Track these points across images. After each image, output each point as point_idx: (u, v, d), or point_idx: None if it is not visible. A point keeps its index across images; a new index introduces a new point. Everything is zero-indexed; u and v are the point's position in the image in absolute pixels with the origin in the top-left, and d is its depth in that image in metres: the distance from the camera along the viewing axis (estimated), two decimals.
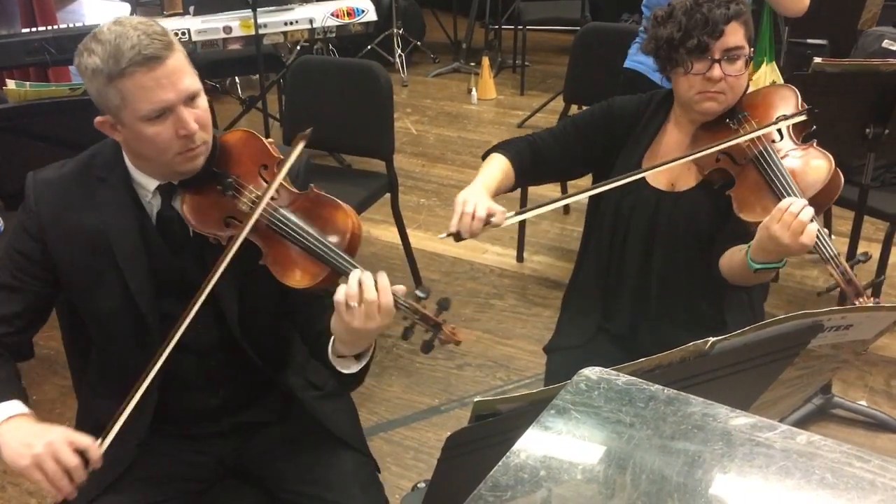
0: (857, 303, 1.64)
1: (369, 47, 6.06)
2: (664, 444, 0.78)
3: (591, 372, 0.88)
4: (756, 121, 1.80)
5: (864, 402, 2.67)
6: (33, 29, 3.39)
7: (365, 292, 1.32)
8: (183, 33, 3.94)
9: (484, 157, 2.01)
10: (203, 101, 1.43)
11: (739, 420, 0.81)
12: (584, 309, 2.05)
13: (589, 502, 0.74)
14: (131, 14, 5.46)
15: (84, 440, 1.37)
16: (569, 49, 3.78)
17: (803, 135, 1.80)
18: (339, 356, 1.46)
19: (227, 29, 4.06)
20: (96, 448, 1.38)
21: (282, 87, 4.49)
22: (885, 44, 3.14)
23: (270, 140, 1.51)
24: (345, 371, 1.47)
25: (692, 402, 0.83)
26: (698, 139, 1.85)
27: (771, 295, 3.07)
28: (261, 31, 4.05)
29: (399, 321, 1.40)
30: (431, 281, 3.51)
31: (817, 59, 2.11)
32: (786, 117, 1.78)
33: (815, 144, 1.76)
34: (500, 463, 0.77)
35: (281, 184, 1.47)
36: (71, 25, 3.45)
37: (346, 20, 4.33)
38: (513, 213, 1.81)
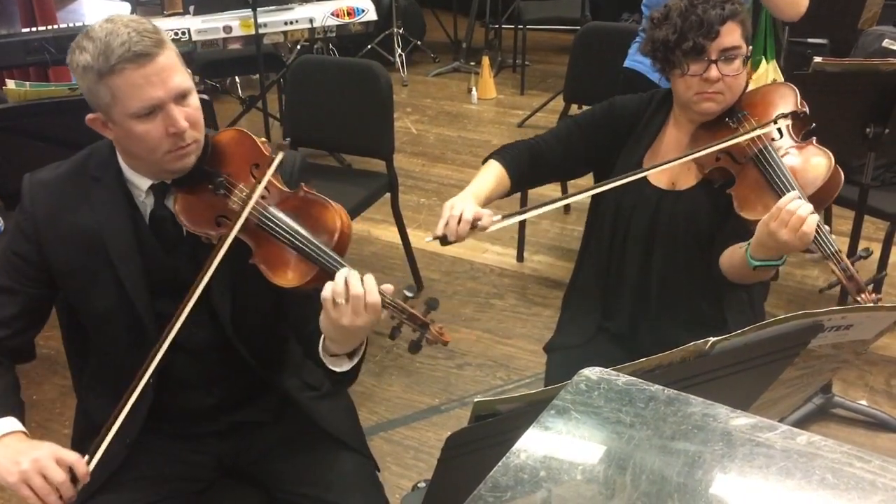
0: (858, 299, 1.64)
1: (369, 47, 6.05)
2: (664, 445, 0.78)
3: (591, 372, 0.88)
4: (756, 119, 1.80)
5: (864, 402, 2.67)
6: (33, 29, 3.39)
7: (351, 289, 1.32)
8: (183, 33, 3.94)
9: (484, 163, 2.01)
10: (194, 99, 1.43)
11: (740, 420, 0.81)
12: (584, 308, 2.05)
13: (589, 503, 0.74)
14: (131, 13, 5.46)
15: (71, 456, 1.39)
16: (569, 48, 3.78)
17: (803, 132, 1.80)
18: (332, 355, 1.46)
19: (227, 28, 4.05)
20: (83, 464, 1.40)
21: (282, 87, 4.50)
22: (886, 43, 3.14)
23: (263, 139, 1.51)
24: (337, 369, 1.47)
25: (692, 403, 0.83)
26: (698, 138, 1.85)
27: (771, 294, 3.07)
28: (261, 31, 4.05)
29: (387, 320, 1.40)
30: (431, 280, 3.51)
31: (817, 59, 2.10)
32: (784, 116, 1.78)
33: (814, 142, 1.76)
34: (499, 463, 0.77)
35: (272, 183, 1.48)
36: (71, 25, 3.45)
37: (347, 20, 4.33)
38: (499, 216, 1.81)
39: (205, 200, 1.48)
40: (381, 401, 2.81)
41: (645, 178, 1.86)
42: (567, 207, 4.08)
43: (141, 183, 1.50)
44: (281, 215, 1.44)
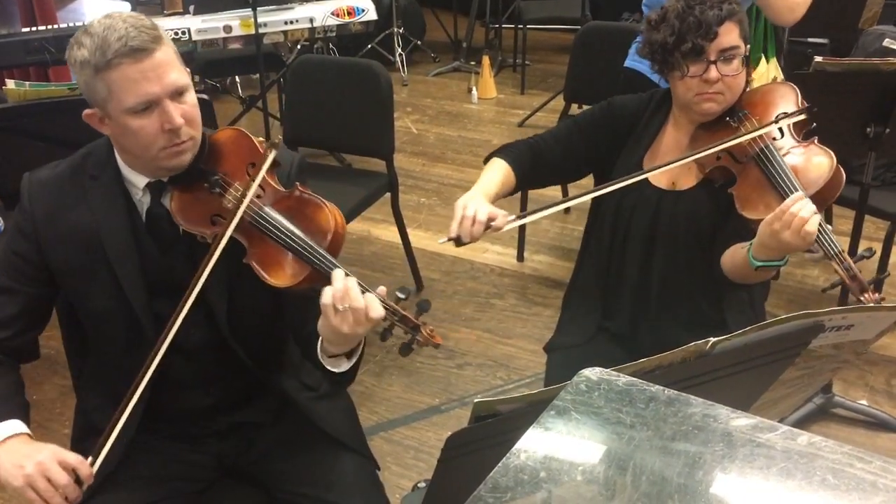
0: (862, 298, 1.64)
1: (369, 46, 6.05)
2: (664, 445, 0.78)
3: (592, 372, 0.88)
4: (756, 119, 1.80)
5: (864, 402, 2.67)
6: (33, 28, 3.39)
7: (353, 300, 1.32)
8: (183, 32, 3.94)
9: (486, 162, 2.01)
10: (191, 96, 1.43)
11: (740, 421, 0.81)
12: (584, 308, 2.05)
13: (589, 503, 0.74)
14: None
15: (73, 458, 1.40)
16: (569, 48, 3.78)
17: (804, 132, 1.80)
18: (330, 356, 1.46)
19: (228, 28, 4.05)
20: (87, 466, 1.41)
21: (282, 87, 4.49)
22: (886, 43, 3.13)
23: (261, 139, 1.51)
24: (336, 370, 1.47)
25: (693, 403, 0.83)
26: (698, 138, 1.84)
27: (772, 294, 3.07)
28: (261, 31, 4.05)
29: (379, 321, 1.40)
30: (431, 280, 3.51)
31: (818, 58, 2.10)
32: (786, 115, 1.78)
33: (815, 141, 1.76)
34: (499, 464, 0.76)
35: (267, 182, 1.48)
36: (71, 25, 3.45)
37: (347, 19, 4.33)
38: (514, 216, 1.80)
39: (200, 199, 1.48)
40: (381, 400, 2.81)
41: (645, 178, 1.86)
42: (567, 207, 4.08)
43: (138, 181, 1.50)
44: (275, 214, 1.44)
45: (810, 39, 4.18)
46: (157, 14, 4.18)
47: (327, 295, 1.33)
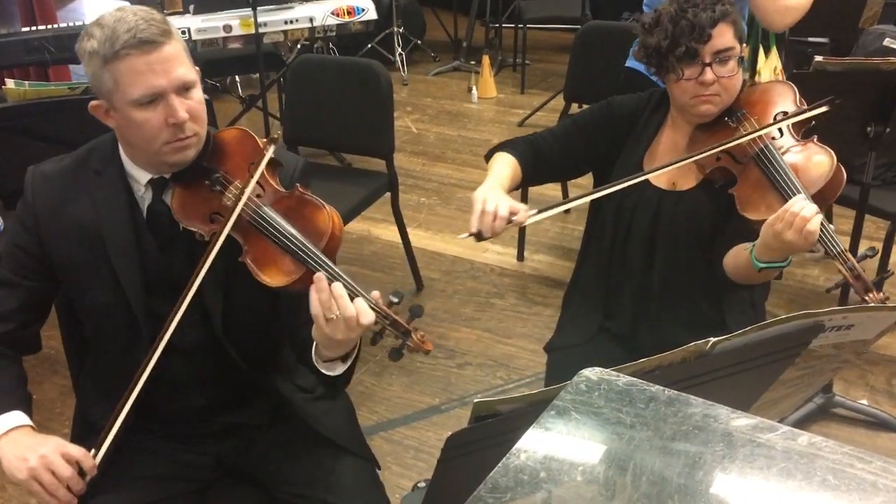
0: (866, 298, 1.64)
1: (369, 46, 6.05)
2: (665, 445, 0.78)
3: (592, 372, 0.88)
4: (755, 118, 1.80)
5: (865, 402, 2.67)
6: (33, 28, 3.39)
7: (343, 309, 1.32)
8: (183, 32, 3.94)
9: (487, 157, 2.00)
10: (198, 93, 1.44)
11: (740, 421, 0.81)
12: (585, 308, 2.05)
13: (589, 503, 0.74)
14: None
15: (77, 451, 1.42)
16: (569, 47, 3.78)
17: (803, 130, 1.80)
18: (326, 360, 1.46)
19: (227, 27, 4.05)
20: (90, 458, 1.43)
21: (282, 86, 4.49)
22: (886, 42, 3.13)
23: (264, 140, 1.52)
24: (331, 373, 1.47)
25: (693, 403, 0.83)
26: (697, 139, 1.84)
27: (772, 294, 3.06)
28: (261, 30, 4.05)
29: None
30: (431, 280, 3.51)
31: (818, 58, 2.10)
32: (785, 115, 1.78)
33: (815, 140, 1.76)
34: (499, 464, 0.76)
35: (267, 182, 1.48)
36: (71, 24, 3.45)
37: (347, 19, 4.32)
38: (535, 210, 1.79)
39: (200, 196, 1.48)
40: (381, 400, 2.81)
41: (646, 179, 1.86)
42: (568, 209, 4.08)
43: (141, 177, 1.51)
44: (273, 214, 1.44)
45: (810, 39, 4.18)
46: None
47: (315, 305, 1.33)
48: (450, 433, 0.98)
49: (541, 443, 0.79)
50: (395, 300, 1.40)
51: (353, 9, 4.33)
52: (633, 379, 0.87)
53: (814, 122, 1.79)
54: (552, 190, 3.53)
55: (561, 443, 0.80)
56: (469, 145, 4.94)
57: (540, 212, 1.80)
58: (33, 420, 1.50)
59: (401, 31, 6.22)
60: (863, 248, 2.35)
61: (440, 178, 4.51)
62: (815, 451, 0.77)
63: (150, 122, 1.39)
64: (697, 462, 0.76)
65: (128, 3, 3.96)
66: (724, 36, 1.73)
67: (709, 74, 1.73)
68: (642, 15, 1.86)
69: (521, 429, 0.81)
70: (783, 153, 1.74)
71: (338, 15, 4.29)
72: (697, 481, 0.74)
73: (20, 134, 2.30)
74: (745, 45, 1.81)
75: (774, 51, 2.75)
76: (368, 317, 1.34)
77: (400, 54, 6.18)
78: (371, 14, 4.40)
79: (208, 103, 1.53)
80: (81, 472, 1.42)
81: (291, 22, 4.19)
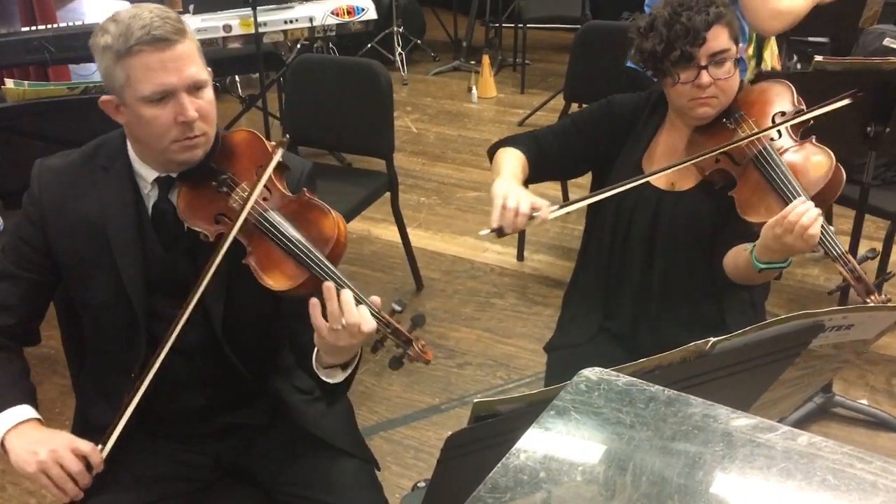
0: (868, 300, 1.63)
1: (369, 45, 6.05)
2: (664, 445, 0.78)
3: (591, 372, 0.88)
4: (752, 119, 1.79)
5: (865, 401, 2.67)
6: (33, 28, 3.39)
7: (347, 316, 1.32)
8: None
9: (491, 152, 1.99)
10: (209, 93, 1.45)
11: (740, 421, 0.81)
12: (585, 308, 2.05)
13: (589, 503, 0.74)
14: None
15: (85, 446, 1.44)
16: (569, 47, 3.78)
17: (801, 130, 1.79)
18: (326, 367, 1.46)
19: (227, 27, 4.05)
20: (98, 453, 1.45)
21: (282, 86, 4.49)
22: (886, 42, 3.13)
23: (273, 143, 1.52)
24: (331, 381, 1.47)
25: (692, 403, 0.83)
26: (696, 140, 1.84)
27: (772, 294, 3.06)
28: (261, 30, 4.05)
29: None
30: (431, 280, 3.51)
31: (818, 57, 2.10)
32: (784, 114, 1.77)
33: (813, 140, 1.76)
34: (499, 464, 0.76)
35: (274, 185, 1.48)
36: (71, 24, 3.45)
37: (346, 18, 4.32)
38: (556, 206, 1.77)
39: (207, 197, 1.48)
40: (381, 400, 2.81)
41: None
42: None
43: (148, 175, 1.51)
44: (279, 217, 1.44)
45: (810, 38, 4.18)
46: None
47: (317, 316, 1.34)
48: (450, 433, 0.98)
49: (540, 443, 0.79)
50: (398, 308, 1.39)
51: (352, 8, 4.33)
52: (633, 379, 0.87)
53: (812, 122, 1.79)
54: (552, 189, 3.53)
55: (561, 443, 0.80)
56: (469, 145, 4.94)
57: (561, 206, 1.78)
58: None
59: (401, 30, 6.22)
60: (863, 247, 2.35)
61: (440, 178, 4.51)
62: (814, 451, 0.77)
63: (160, 120, 1.40)
64: (697, 462, 0.76)
65: (126, 4, 3.97)
66: (719, 38, 1.72)
67: (705, 77, 1.73)
68: (636, 18, 1.85)
69: (520, 429, 0.81)
70: (782, 154, 1.73)
71: (337, 15, 4.29)
72: (697, 481, 0.74)
73: (19, 134, 2.30)
74: (741, 45, 1.80)
75: (773, 43, 2.76)
76: (370, 325, 1.34)
77: (400, 54, 6.18)
78: (371, 14, 4.39)
79: None
80: (88, 467, 1.44)
81: (291, 22, 4.18)
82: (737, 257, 1.75)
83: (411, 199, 4.21)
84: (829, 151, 1.71)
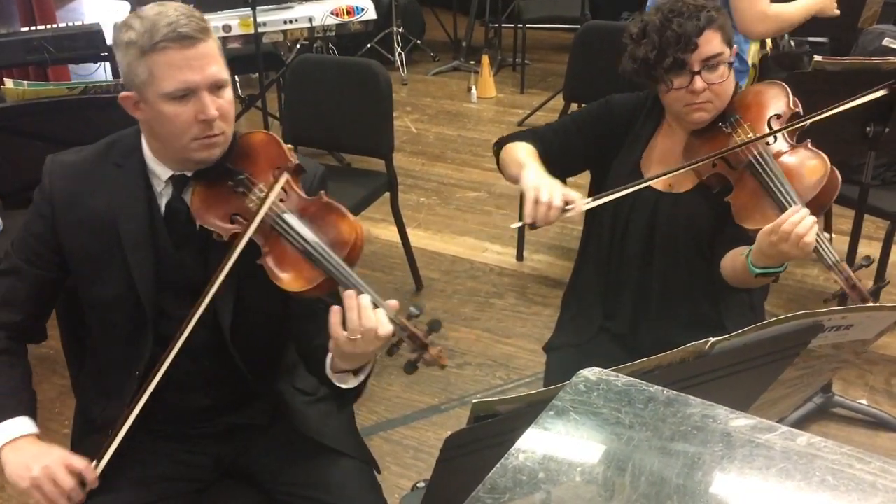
0: None
1: (369, 46, 6.05)
2: (663, 446, 0.78)
3: (590, 373, 0.88)
4: (748, 124, 1.79)
5: (864, 401, 2.67)
6: (32, 28, 3.39)
7: (364, 321, 1.32)
8: None
9: (498, 148, 1.98)
10: (229, 93, 1.46)
11: (739, 421, 0.81)
12: (584, 308, 2.04)
13: None
14: (130, 12, 5.45)
15: (79, 462, 1.43)
16: (569, 47, 3.77)
17: (797, 134, 1.79)
18: (337, 371, 1.46)
19: (227, 27, 4.05)
20: (91, 470, 1.44)
21: (281, 86, 4.49)
22: (886, 42, 3.13)
23: (290, 146, 1.53)
24: (343, 386, 1.46)
25: (692, 404, 0.83)
26: (692, 143, 1.84)
27: (771, 294, 3.07)
28: (260, 30, 4.04)
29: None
30: (431, 280, 3.51)
31: (818, 58, 2.10)
32: (779, 118, 1.77)
33: (808, 145, 1.75)
34: (498, 465, 0.76)
35: (291, 187, 1.49)
36: (70, 24, 3.45)
37: (346, 18, 4.32)
38: (588, 199, 1.75)
39: (222, 196, 1.48)
40: (380, 400, 2.81)
41: (643, 178, 1.85)
42: None
43: (162, 173, 1.51)
44: (297, 219, 1.45)
45: (810, 38, 4.17)
46: None
47: (336, 325, 1.33)
48: (449, 433, 0.98)
49: (540, 443, 0.79)
50: (417, 312, 1.39)
51: (352, 8, 4.33)
52: (632, 379, 0.87)
53: (808, 125, 1.79)
54: (581, 179, 3.53)
55: (560, 443, 0.80)
56: (468, 145, 4.94)
57: (593, 199, 1.76)
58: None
59: (400, 30, 6.22)
60: (862, 247, 2.35)
61: (439, 178, 4.51)
62: (814, 452, 0.77)
63: (181, 117, 1.40)
64: (696, 462, 0.76)
65: (126, 5, 3.96)
66: (711, 43, 1.72)
67: (698, 83, 1.72)
68: (629, 24, 1.84)
69: (520, 429, 0.81)
70: (777, 158, 1.73)
71: (337, 15, 4.29)
72: (696, 482, 0.74)
73: (19, 134, 2.30)
74: (735, 47, 1.80)
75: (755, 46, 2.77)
76: (386, 328, 1.34)
77: (399, 54, 6.18)
78: (370, 14, 4.39)
79: None
80: (82, 483, 1.43)
81: (291, 22, 4.18)
82: (734, 261, 1.74)
83: (411, 200, 4.21)
84: (825, 157, 1.70)
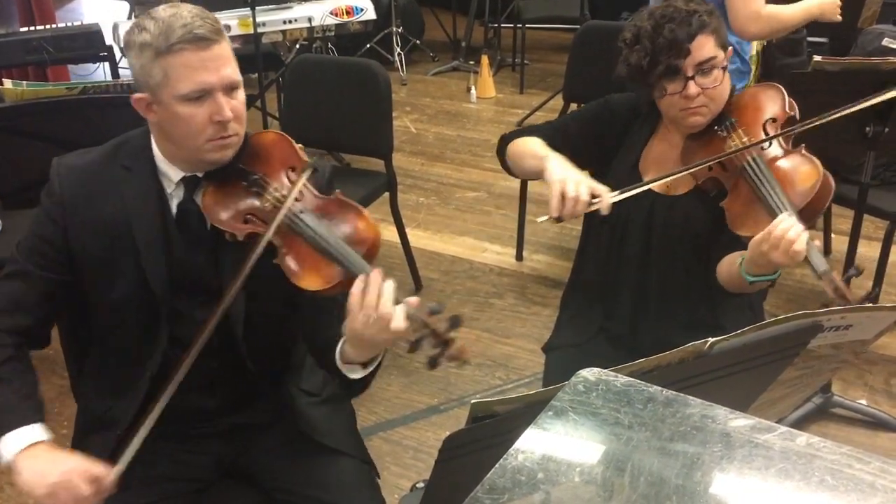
0: None
1: (368, 46, 6.05)
2: (663, 446, 0.78)
3: (590, 373, 0.88)
4: (743, 128, 1.78)
5: (863, 401, 2.67)
6: (31, 28, 3.39)
7: (381, 306, 1.31)
8: None
9: (503, 144, 1.98)
10: (242, 95, 1.46)
11: (738, 421, 0.81)
12: (583, 308, 2.04)
13: None
14: (130, 12, 5.45)
15: (97, 470, 1.40)
16: (568, 47, 3.78)
17: (792, 139, 1.78)
18: (347, 362, 1.46)
19: (226, 27, 4.02)
20: (109, 477, 1.41)
21: (281, 86, 4.49)
22: (885, 42, 3.13)
23: (301, 145, 1.52)
24: (350, 375, 1.46)
25: (691, 404, 0.83)
26: (689, 147, 1.84)
27: (770, 294, 3.07)
28: (259, 30, 4.04)
29: (409, 333, 1.38)
30: (430, 280, 3.51)
31: (817, 58, 2.10)
32: (774, 122, 1.77)
33: (803, 150, 1.74)
34: (497, 465, 0.76)
35: (305, 186, 1.48)
36: (69, 24, 3.45)
37: (345, 18, 4.32)
38: (616, 192, 1.73)
39: (236, 197, 1.48)
40: (380, 400, 2.81)
41: (640, 179, 1.85)
42: None
43: (173, 174, 1.51)
44: (314, 218, 1.45)
45: (809, 38, 4.17)
46: None
47: (357, 296, 1.32)
48: (448, 433, 0.98)
49: (539, 443, 0.79)
50: (438, 308, 1.37)
51: (351, 9, 4.33)
52: (632, 379, 0.87)
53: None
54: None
55: (559, 443, 0.80)
56: (468, 145, 4.93)
57: (621, 192, 1.74)
58: None
59: (400, 30, 6.22)
60: (862, 247, 2.35)
61: (439, 178, 4.51)
62: (813, 452, 0.77)
63: (196, 119, 1.40)
64: (695, 462, 0.76)
65: (126, 5, 3.97)
66: (704, 47, 1.71)
67: (692, 88, 1.72)
68: (623, 28, 1.84)
69: (519, 429, 0.81)
70: (771, 164, 1.72)
71: (336, 15, 4.29)
72: (695, 482, 0.74)
73: (18, 134, 2.30)
74: (730, 48, 1.79)
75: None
76: (399, 323, 1.32)
77: (399, 54, 6.18)
78: (370, 14, 4.39)
79: None
80: (98, 490, 1.40)
81: (290, 22, 4.18)
82: (729, 268, 1.74)
83: (410, 200, 4.21)
84: (818, 163, 1.69)
